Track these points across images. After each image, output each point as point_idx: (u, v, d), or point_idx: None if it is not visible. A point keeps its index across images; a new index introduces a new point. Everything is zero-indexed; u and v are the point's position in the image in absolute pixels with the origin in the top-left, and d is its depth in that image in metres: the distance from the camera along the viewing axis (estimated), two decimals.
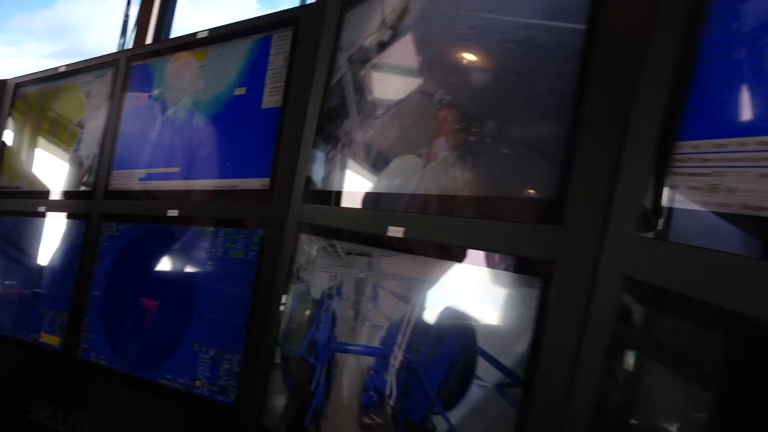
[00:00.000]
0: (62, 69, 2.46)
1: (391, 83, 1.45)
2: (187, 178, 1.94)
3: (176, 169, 1.97)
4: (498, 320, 0.99)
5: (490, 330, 1.00)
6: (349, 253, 1.36)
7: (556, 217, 0.96)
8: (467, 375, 0.99)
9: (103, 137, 2.22)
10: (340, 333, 1.31)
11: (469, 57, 1.24)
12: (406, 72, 1.42)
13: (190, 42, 2.05)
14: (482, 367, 0.98)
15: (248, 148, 1.80)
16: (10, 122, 2.62)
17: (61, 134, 2.40)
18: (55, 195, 2.33)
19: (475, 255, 1.06)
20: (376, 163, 1.40)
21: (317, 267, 1.46)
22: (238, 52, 1.91)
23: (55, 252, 2.26)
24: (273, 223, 1.68)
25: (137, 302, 1.94)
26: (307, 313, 1.45)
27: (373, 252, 1.28)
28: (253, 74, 1.86)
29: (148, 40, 3.66)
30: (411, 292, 1.14)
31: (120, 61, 2.25)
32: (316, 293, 1.44)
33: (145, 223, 2.01)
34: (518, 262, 0.99)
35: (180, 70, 2.05)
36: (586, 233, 0.92)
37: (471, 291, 1.05)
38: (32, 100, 2.56)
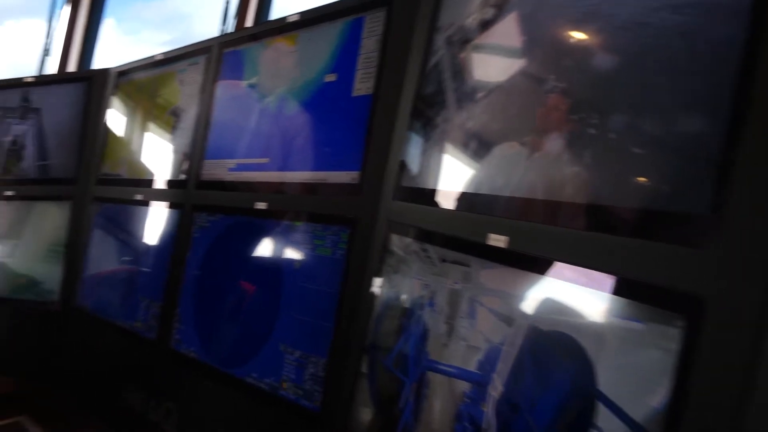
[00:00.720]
0: (159, 57, 2.48)
1: (493, 65, 1.28)
2: (276, 169, 1.86)
3: (266, 160, 1.91)
4: (625, 361, 0.82)
5: (614, 371, 0.82)
6: (443, 261, 1.22)
7: (706, 239, 0.76)
8: (583, 422, 0.83)
9: (195, 126, 2.20)
10: (431, 349, 1.18)
11: (590, 38, 1.05)
12: (511, 53, 1.24)
13: (281, 26, 1.96)
14: (603, 416, 0.81)
15: (338, 140, 1.69)
16: (112, 111, 2.69)
17: (159, 123, 2.41)
18: (153, 183, 2.35)
19: (596, 277, 0.88)
20: (476, 153, 1.24)
21: (409, 272, 1.33)
22: (329, 36, 1.80)
23: (153, 240, 2.29)
24: (362, 220, 1.56)
25: (225, 296, 1.91)
26: (397, 321, 1.33)
27: (471, 261, 1.13)
28: (344, 59, 1.74)
29: (248, 26, 3.65)
30: (515, 312, 0.98)
31: (213, 48, 2.22)
32: (406, 301, 1.31)
33: (234, 215, 1.97)
34: (653, 292, 0.80)
35: (272, 55, 1.98)
36: (748, 262, 0.72)
37: (590, 320, 0.88)
38: (132, 89, 2.61)
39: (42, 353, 2.63)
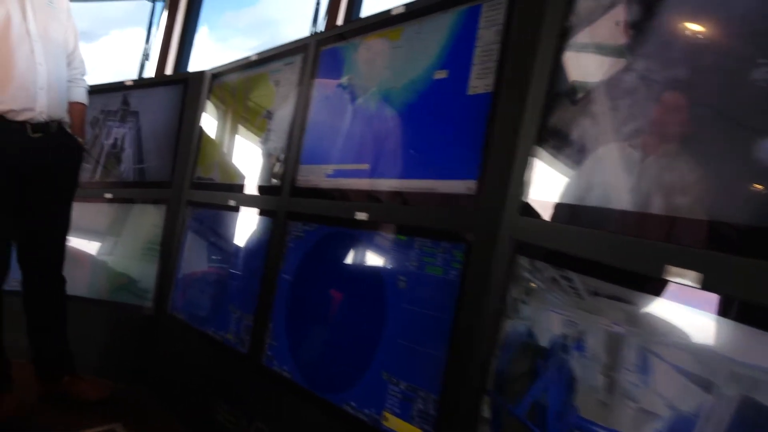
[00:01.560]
0: (254, 58, 2.38)
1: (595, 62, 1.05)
2: (378, 176, 1.70)
3: (365, 166, 1.74)
4: None
5: None
6: (595, 294, 0.99)
7: None
8: None
9: (290, 129, 2.08)
10: (581, 404, 0.96)
11: (719, 33, 0.80)
12: (619, 48, 1.00)
13: (384, 20, 1.79)
14: None
15: (450, 144, 1.50)
16: (206, 113, 2.63)
17: (252, 125, 2.32)
18: (245, 189, 2.25)
19: None
20: (630, 161, 1.01)
21: (544, 303, 1.12)
22: (439, 28, 1.61)
23: (245, 248, 2.19)
24: (480, 236, 1.36)
25: (322, 313, 1.77)
26: (528, 362, 1.12)
27: (637, 299, 0.90)
28: (457, 54, 1.55)
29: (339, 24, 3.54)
30: (718, 374, 0.75)
31: (309, 46, 2.09)
32: (542, 339, 1.10)
33: (332, 225, 1.82)
34: None
35: (374, 52, 1.82)
36: None
37: None
38: (227, 91, 2.53)
39: (136, 358, 2.61)
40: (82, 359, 2.45)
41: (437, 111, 1.56)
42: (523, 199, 1.26)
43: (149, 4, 4.37)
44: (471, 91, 1.48)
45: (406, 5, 1.74)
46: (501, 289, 1.26)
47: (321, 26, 3.81)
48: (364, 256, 1.68)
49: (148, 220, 2.71)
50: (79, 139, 2.33)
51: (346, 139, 1.84)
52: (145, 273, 2.67)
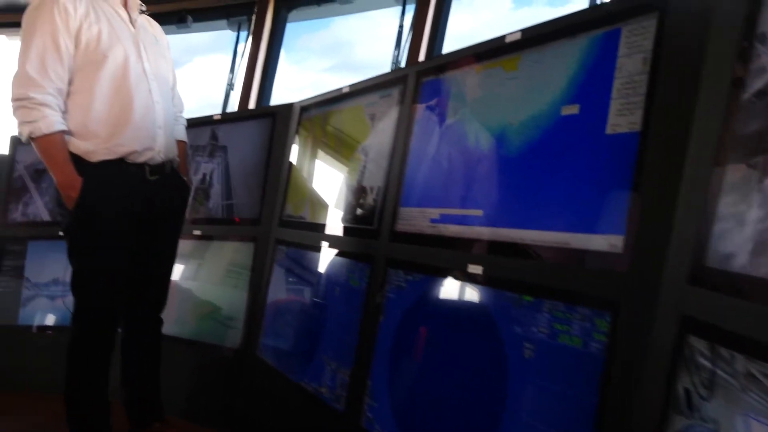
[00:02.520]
0: (345, 90, 2.26)
1: None
2: (492, 224, 1.50)
3: (478, 212, 1.56)
4: None
5: None
6: None
7: None
8: None
9: (389, 167, 1.93)
10: None
11: None
12: None
13: (496, 48, 1.61)
14: None
15: (586, 190, 1.29)
16: (295, 148, 2.53)
17: (346, 162, 2.19)
18: (339, 230, 2.12)
19: None
20: None
21: (737, 405, 0.88)
22: (565, 57, 1.41)
23: (340, 295, 2.04)
24: (632, 305, 1.14)
25: (429, 377, 1.58)
26: None
27: None
28: (590, 86, 1.34)
29: (422, 50, 3.39)
30: None
31: (408, 77, 1.94)
32: None
33: (439, 276, 1.64)
34: None
35: (485, 84, 1.63)
36: None
37: None
38: (317, 124, 2.43)
39: (223, 401, 2.52)
40: (168, 400, 2.38)
41: (567, 152, 1.35)
42: (692, 263, 1.03)
43: (233, 33, 4.41)
44: (611, 130, 1.27)
45: (523, 31, 1.55)
46: (665, 374, 1.03)
47: (404, 50, 3.68)
48: (479, 315, 1.49)
49: (236, 255, 2.63)
50: (185, 178, 2.29)
51: (454, 180, 1.66)
52: (230, 300, 2.58)
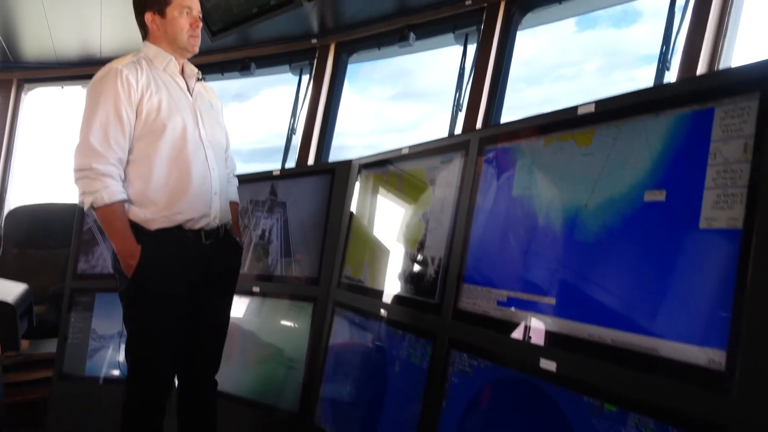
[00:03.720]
0: (405, 151, 2.18)
1: None
2: (567, 316, 1.37)
3: (550, 300, 1.42)
4: None
5: None
6: None
7: None
8: None
9: (450, 239, 1.82)
10: None
11: None
12: None
13: (568, 120, 1.49)
14: None
15: (677, 291, 1.14)
16: (355, 207, 2.47)
17: (407, 226, 2.10)
18: (398, 299, 2.02)
19: None
20: None
21: None
22: (647, 135, 1.28)
23: (399, 369, 1.94)
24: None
25: None
26: None
27: None
28: (678, 170, 1.20)
29: (484, 94, 3.28)
30: None
31: (470, 144, 1.84)
32: None
33: (508, 367, 1.51)
34: None
35: (553, 158, 1.51)
36: None
37: None
38: (377, 185, 2.36)
39: None
40: None
41: (652, 244, 1.21)
42: None
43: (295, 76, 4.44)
44: (705, 224, 1.12)
45: (597, 103, 1.42)
46: None
47: (465, 92, 3.57)
48: (553, 418, 1.34)
49: (294, 316, 2.58)
50: (238, 239, 2.27)
51: (522, 261, 1.53)
52: (288, 362, 2.53)
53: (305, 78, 4.26)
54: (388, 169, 2.29)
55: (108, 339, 3.06)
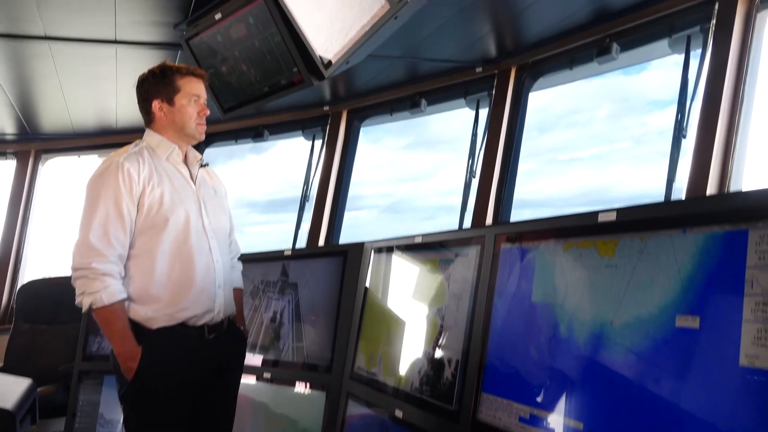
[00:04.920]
0: (418, 239, 2.11)
1: None
2: None
3: (578, 425, 1.32)
4: None
5: None
6: None
7: None
8: None
9: (467, 341, 1.73)
10: None
11: None
12: None
13: (588, 226, 1.42)
14: None
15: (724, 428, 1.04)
16: (369, 292, 2.39)
17: (422, 321, 2.01)
18: (414, 399, 1.92)
19: None
20: None
21: None
22: (676, 253, 1.19)
23: None
24: None
25: None
26: None
27: None
28: (712, 296, 1.11)
29: (495, 178, 3.21)
30: None
31: (486, 239, 1.76)
32: None
33: None
34: None
35: (575, 266, 1.43)
36: None
37: None
38: (390, 271, 2.28)
39: None
40: None
41: (687, 375, 1.12)
42: None
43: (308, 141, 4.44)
44: (746, 362, 1.02)
45: (618, 211, 1.35)
46: None
47: (479, 158, 3.51)
48: None
49: (306, 405, 2.48)
50: (242, 328, 2.19)
51: (546, 377, 1.44)
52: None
53: (318, 143, 4.27)
54: (402, 256, 2.21)
55: (115, 424, 2.98)
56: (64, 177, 4.87)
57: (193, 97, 1.99)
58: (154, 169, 1.94)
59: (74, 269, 1.84)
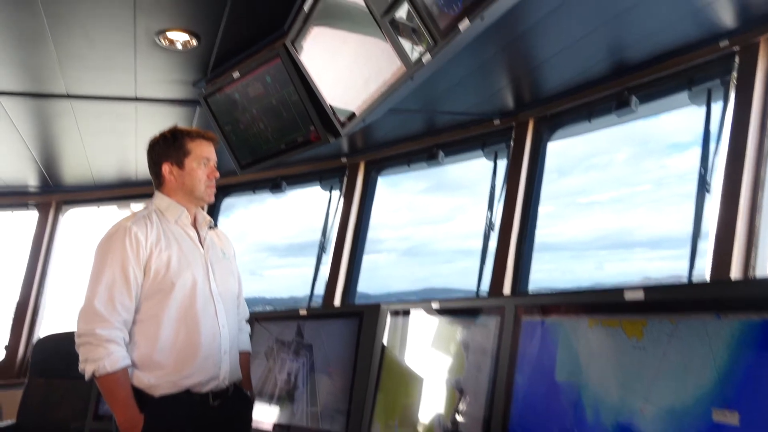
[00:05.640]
0: (435, 305, 2.04)
1: None
2: None
3: None
4: None
5: None
6: None
7: None
8: None
9: (487, 421, 1.64)
10: None
11: None
12: None
13: (613, 304, 1.34)
14: None
15: None
16: (386, 356, 2.31)
17: (440, 392, 1.92)
18: None
19: None
20: None
21: None
22: (710, 340, 1.11)
23: None
24: None
25: None
26: None
27: None
28: (752, 390, 1.02)
29: (515, 231, 3.14)
30: None
31: (505, 310, 1.69)
32: None
33: None
34: None
35: (601, 346, 1.35)
36: None
37: None
38: (405, 334, 2.21)
39: None
40: None
41: None
42: None
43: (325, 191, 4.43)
44: None
45: (646, 290, 1.28)
46: None
47: (497, 211, 3.45)
48: None
49: None
50: (249, 393, 2.12)
51: None
52: None
53: (335, 193, 4.26)
54: (421, 322, 2.14)
55: None
56: (83, 226, 4.92)
57: (203, 159, 1.98)
58: (162, 233, 1.91)
59: (78, 335, 1.81)
